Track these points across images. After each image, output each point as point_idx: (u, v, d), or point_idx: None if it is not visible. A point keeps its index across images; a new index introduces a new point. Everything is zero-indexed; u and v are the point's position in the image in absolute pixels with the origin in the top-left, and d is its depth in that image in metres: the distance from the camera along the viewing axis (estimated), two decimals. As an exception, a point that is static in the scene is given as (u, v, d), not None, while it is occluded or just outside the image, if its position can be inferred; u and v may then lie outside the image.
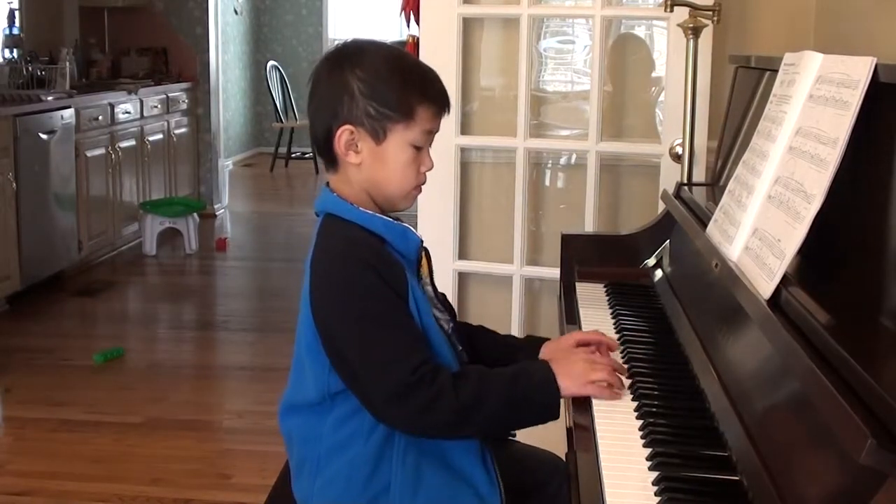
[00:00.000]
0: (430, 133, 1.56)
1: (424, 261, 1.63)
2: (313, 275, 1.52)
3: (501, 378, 1.49)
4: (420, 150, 1.55)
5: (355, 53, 1.55)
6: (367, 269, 1.47)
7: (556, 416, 1.50)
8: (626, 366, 1.60)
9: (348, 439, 1.53)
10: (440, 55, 2.57)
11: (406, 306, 1.49)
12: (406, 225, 1.59)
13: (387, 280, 1.48)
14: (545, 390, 1.48)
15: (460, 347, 1.65)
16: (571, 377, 1.49)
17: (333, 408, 1.54)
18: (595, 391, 1.48)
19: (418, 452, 1.52)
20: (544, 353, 1.68)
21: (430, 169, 1.58)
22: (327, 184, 1.60)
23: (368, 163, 1.53)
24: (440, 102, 1.56)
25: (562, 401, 1.50)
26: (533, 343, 1.73)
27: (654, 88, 2.78)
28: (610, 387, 1.49)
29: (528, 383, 1.48)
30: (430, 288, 1.64)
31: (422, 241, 1.61)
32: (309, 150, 9.85)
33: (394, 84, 1.51)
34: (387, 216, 1.57)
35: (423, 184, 1.59)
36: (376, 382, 1.45)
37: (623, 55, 2.78)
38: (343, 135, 1.52)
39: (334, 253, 1.52)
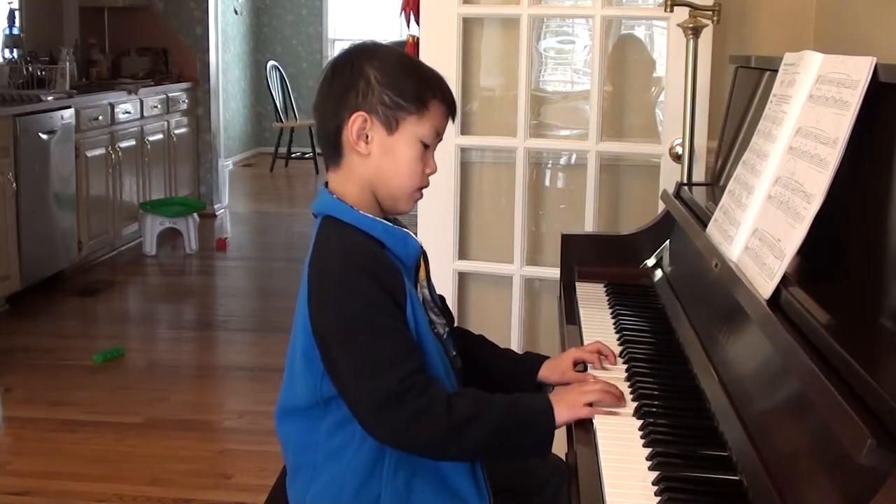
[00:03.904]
0: (438, 134, 1.56)
1: (423, 264, 1.62)
2: (311, 278, 1.51)
3: (498, 402, 1.46)
4: (427, 149, 1.55)
5: (372, 48, 1.57)
6: (365, 273, 1.46)
7: (548, 450, 1.46)
8: (616, 363, 1.62)
9: (341, 448, 1.52)
10: (440, 55, 2.57)
11: (402, 314, 1.47)
12: (406, 230, 1.57)
13: (385, 286, 1.46)
14: (541, 418, 1.45)
15: (454, 353, 1.64)
16: (566, 404, 1.46)
17: (328, 413, 1.52)
18: (590, 412, 1.45)
19: (410, 465, 1.50)
20: (543, 372, 1.68)
21: (433, 172, 1.57)
22: (326, 184, 1.59)
23: (377, 154, 1.53)
24: (450, 104, 1.57)
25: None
26: (531, 359, 1.72)
27: (654, 88, 2.78)
28: (603, 398, 1.47)
29: (524, 410, 1.45)
30: (426, 291, 1.63)
31: (421, 247, 1.60)
32: (309, 150, 9.86)
33: (411, 76, 1.53)
34: (387, 220, 1.56)
35: (426, 187, 1.59)
36: (364, 389, 1.42)
37: (623, 55, 2.78)
38: (356, 121, 1.51)
39: (333, 256, 1.50)
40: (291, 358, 1.57)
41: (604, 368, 1.63)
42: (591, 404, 1.46)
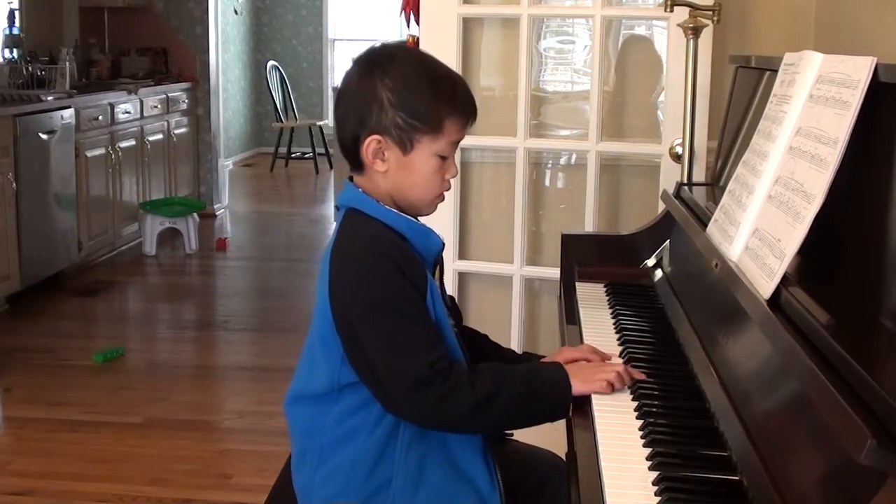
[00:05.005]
0: (456, 143, 1.57)
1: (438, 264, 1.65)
2: (333, 266, 1.53)
3: (515, 374, 1.51)
4: (445, 159, 1.56)
5: (385, 61, 1.54)
6: (388, 262, 1.48)
7: (565, 414, 1.51)
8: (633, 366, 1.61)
9: (352, 433, 1.54)
10: (440, 55, 2.55)
11: (424, 303, 1.50)
12: (429, 227, 1.60)
13: (407, 275, 1.49)
14: (558, 386, 1.50)
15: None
16: (581, 378, 1.51)
17: (340, 400, 1.55)
18: (601, 387, 1.50)
19: (421, 449, 1.53)
20: None
21: (454, 176, 1.60)
22: (350, 178, 1.61)
23: (394, 171, 1.54)
24: (468, 113, 1.57)
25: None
26: (525, 360, 1.73)
27: (655, 88, 2.78)
28: (617, 376, 1.52)
29: (541, 379, 1.51)
30: (438, 292, 1.64)
31: (444, 245, 1.62)
32: (309, 150, 9.86)
33: (423, 95, 1.52)
34: (410, 217, 1.58)
35: (448, 190, 1.60)
36: (394, 374, 1.46)
37: (631, 55, 2.78)
38: (371, 144, 1.52)
39: (357, 245, 1.53)
40: (311, 346, 1.60)
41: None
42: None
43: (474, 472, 1.56)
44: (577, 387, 1.50)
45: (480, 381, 1.47)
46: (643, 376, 1.55)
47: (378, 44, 1.62)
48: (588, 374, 1.52)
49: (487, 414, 1.47)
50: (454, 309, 1.72)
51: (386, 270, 1.48)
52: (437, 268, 1.64)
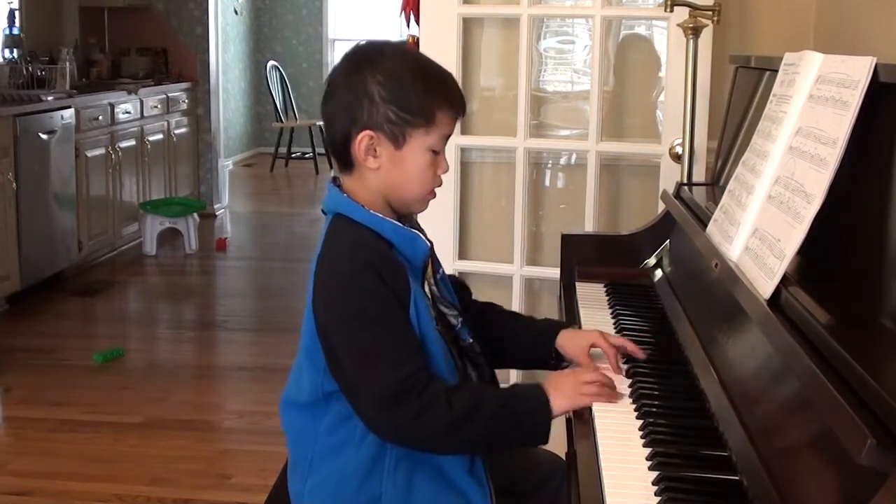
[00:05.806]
0: (447, 137, 1.56)
1: (429, 261, 1.62)
2: (317, 273, 1.52)
3: (494, 395, 1.49)
4: (437, 154, 1.54)
5: (374, 56, 1.53)
6: (370, 270, 1.46)
7: (545, 440, 1.48)
8: (622, 373, 1.60)
9: (341, 444, 1.53)
10: (440, 55, 2.55)
11: (405, 314, 1.48)
12: (416, 231, 1.58)
13: (389, 284, 1.47)
14: (538, 410, 1.46)
15: (471, 340, 1.64)
16: (562, 394, 1.48)
17: (328, 410, 1.53)
18: (587, 400, 1.48)
19: (410, 462, 1.51)
20: (561, 339, 1.68)
21: (445, 172, 1.58)
22: (334, 180, 1.59)
23: (387, 167, 1.52)
24: (459, 106, 1.56)
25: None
26: (548, 331, 1.72)
27: (655, 88, 2.78)
28: (601, 391, 1.49)
29: (521, 402, 1.48)
30: (434, 288, 1.63)
31: (431, 247, 1.60)
32: (309, 150, 9.86)
33: (415, 88, 1.50)
34: (398, 221, 1.56)
35: (439, 186, 1.59)
36: (367, 386, 1.44)
37: (630, 54, 2.78)
38: (363, 140, 1.50)
39: (340, 253, 1.51)
40: (299, 352, 1.59)
41: (617, 370, 1.61)
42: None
43: (465, 484, 1.53)
44: (560, 405, 1.47)
45: (458, 400, 1.43)
46: (615, 394, 1.52)
47: (364, 41, 1.60)
48: (568, 390, 1.48)
49: (462, 434, 1.44)
50: (457, 288, 1.70)
51: (366, 279, 1.46)
52: (431, 264, 1.63)
